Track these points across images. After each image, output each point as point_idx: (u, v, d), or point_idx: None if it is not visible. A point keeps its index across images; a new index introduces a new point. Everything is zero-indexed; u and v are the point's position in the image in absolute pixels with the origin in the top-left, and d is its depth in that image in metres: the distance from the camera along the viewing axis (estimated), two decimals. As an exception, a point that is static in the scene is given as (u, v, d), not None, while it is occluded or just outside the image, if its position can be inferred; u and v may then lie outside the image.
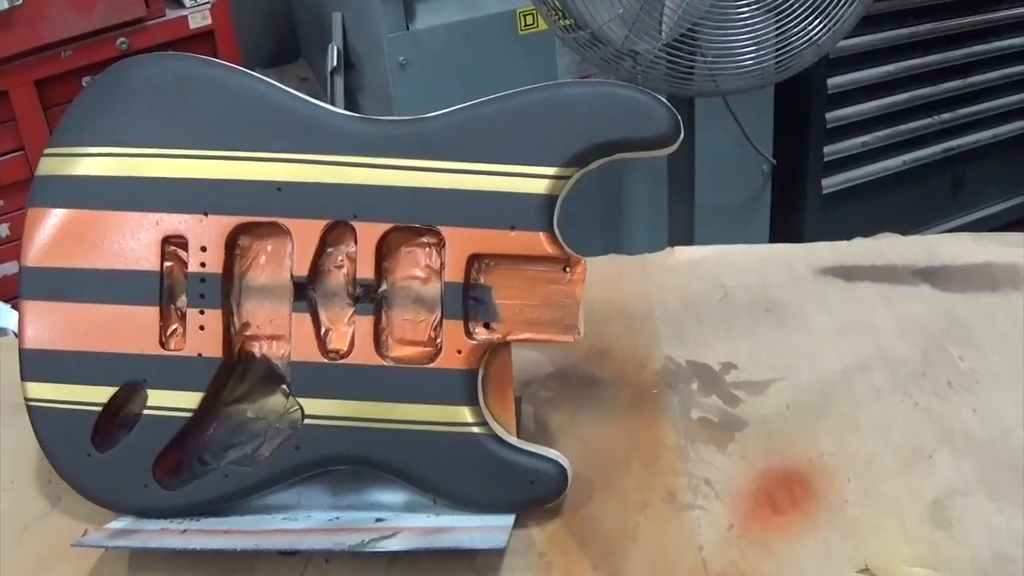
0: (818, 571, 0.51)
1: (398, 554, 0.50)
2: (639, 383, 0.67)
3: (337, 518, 0.56)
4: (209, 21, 1.25)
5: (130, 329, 0.56)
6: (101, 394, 0.57)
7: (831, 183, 1.82)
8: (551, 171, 0.54)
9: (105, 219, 0.57)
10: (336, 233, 0.56)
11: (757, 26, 1.15)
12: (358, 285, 0.56)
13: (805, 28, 1.13)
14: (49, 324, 0.57)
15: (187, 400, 0.56)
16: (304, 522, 0.56)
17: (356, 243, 0.55)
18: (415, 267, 0.56)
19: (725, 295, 0.75)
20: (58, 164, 0.58)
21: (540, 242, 0.54)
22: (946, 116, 1.80)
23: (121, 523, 0.56)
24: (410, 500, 0.57)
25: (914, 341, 0.67)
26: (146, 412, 0.56)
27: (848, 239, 0.80)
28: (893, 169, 1.81)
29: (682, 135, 0.54)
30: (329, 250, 0.56)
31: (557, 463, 0.55)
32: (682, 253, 0.81)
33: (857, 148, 1.78)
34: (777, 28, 1.14)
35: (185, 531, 0.54)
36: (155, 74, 0.57)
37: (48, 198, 0.58)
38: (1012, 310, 0.69)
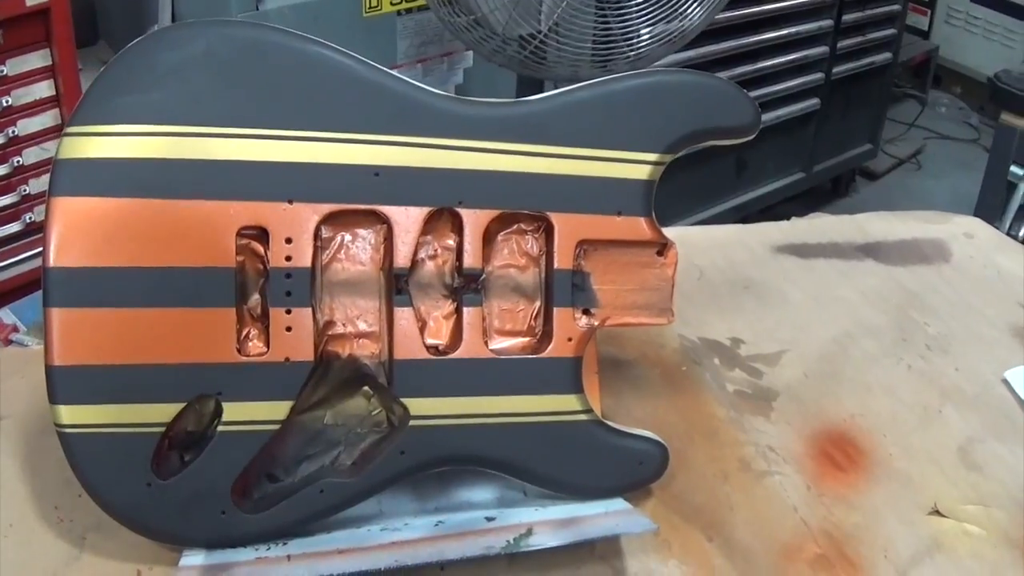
0: (897, 517, 0.57)
1: (556, 550, 0.48)
2: (664, 362, 0.69)
3: (441, 522, 0.53)
4: (46, -1, 1.11)
5: (199, 336, 0.49)
6: (162, 413, 0.49)
7: (633, 166, 1.94)
8: (653, 157, 0.54)
9: (160, 209, 0.49)
10: (432, 221, 0.53)
11: (632, 11, 1.19)
12: (460, 275, 0.53)
13: (680, 13, 1.19)
14: (87, 335, 0.49)
15: (272, 411, 0.50)
16: (407, 531, 0.52)
17: (457, 231, 0.53)
18: (514, 255, 0.54)
19: (702, 275, 0.79)
20: (88, 145, 0.49)
21: (642, 226, 0.55)
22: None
23: (197, 558, 0.49)
24: (500, 495, 0.55)
25: (883, 311, 0.75)
26: (221, 429, 0.50)
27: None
28: (686, 150, 1.96)
29: (761, 126, 0.57)
30: (423, 239, 0.53)
31: (659, 443, 0.56)
32: (643, 236, 0.84)
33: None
34: (654, 15, 1.19)
35: (290, 557, 0.49)
36: (217, 43, 0.50)
37: (77, 185, 0.49)
38: (949, 280, 0.79)
